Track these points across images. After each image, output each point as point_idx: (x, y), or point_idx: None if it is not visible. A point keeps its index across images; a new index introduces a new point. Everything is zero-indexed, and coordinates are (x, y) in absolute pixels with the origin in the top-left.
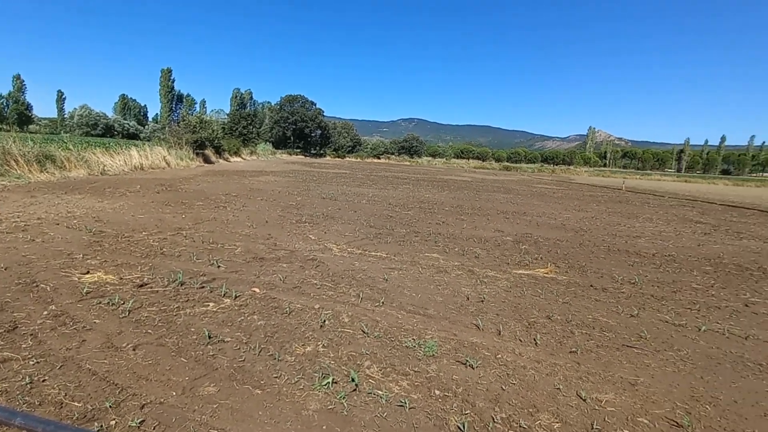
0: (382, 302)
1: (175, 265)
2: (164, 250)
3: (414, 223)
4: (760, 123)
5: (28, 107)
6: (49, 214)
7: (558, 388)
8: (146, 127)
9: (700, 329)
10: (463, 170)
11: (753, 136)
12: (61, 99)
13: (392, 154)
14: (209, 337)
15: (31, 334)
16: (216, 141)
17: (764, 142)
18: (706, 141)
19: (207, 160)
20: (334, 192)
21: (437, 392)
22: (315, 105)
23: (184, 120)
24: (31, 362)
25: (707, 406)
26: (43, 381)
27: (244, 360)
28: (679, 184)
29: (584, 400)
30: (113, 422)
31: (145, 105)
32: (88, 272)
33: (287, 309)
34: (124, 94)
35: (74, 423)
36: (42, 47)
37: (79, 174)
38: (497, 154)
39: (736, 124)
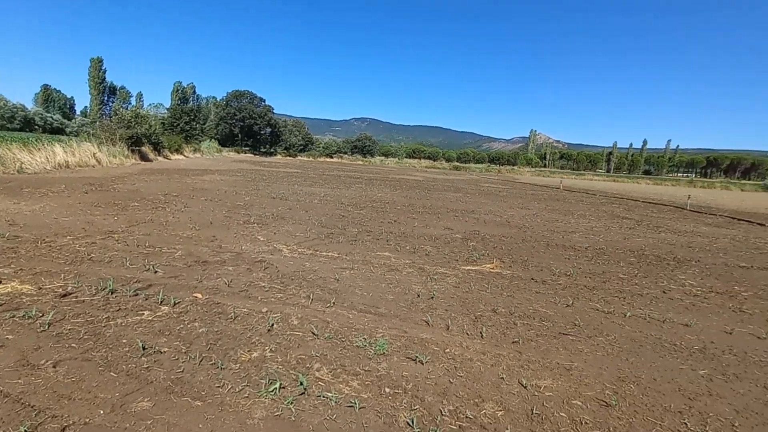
0: (333, 302)
1: (104, 272)
2: (92, 255)
3: (366, 222)
4: (676, 128)
5: None
6: None
7: (502, 378)
8: (73, 121)
9: (625, 315)
10: (415, 170)
11: (669, 141)
12: None
13: (345, 153)
14: (143, 348)
15: None
16: (154, 137)
17: (678, 146)
18: (631, 144)
19: (144, 158)
20: (285, 191)
21: (387, 390)
22: (264, 101)
23: (117, 114)
24: None
25: (631, 385)
26: None
27: (183, 371)
28: (608, 184)
29: (525, 387)
30: None
31: (72, 97)
32: None
33: (232, 314)
34: (46, 85)
35: None
36: None
37: None
38: (447, 154)
39: (656, 129)
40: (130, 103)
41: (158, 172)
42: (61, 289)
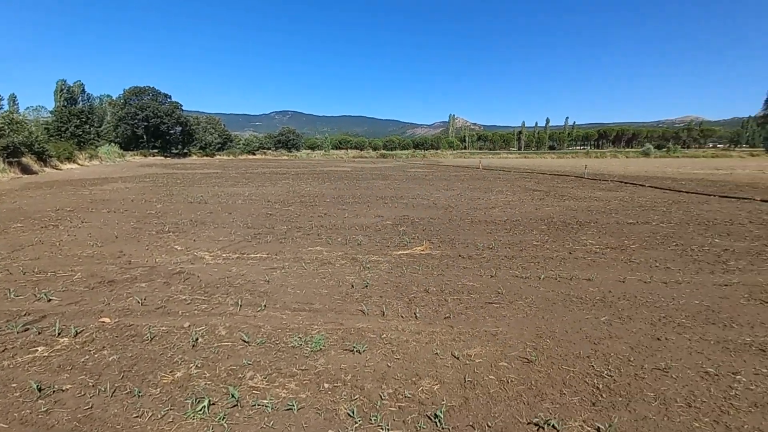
0: (265, 305)
1: None
2: None
3: (295, 218)
4: (572, 106)
5: None
6: None
7: (436, 353)
8: None
9: (540, 278)
10: (343, 161)
11: (567, 118)
12: None
13: (268, 149)
14: (39, 390)
15: None
16: (38, 145)
17: (575, 122)
18: (536, 123)
19: (26, 171)
20: (204, 194)
21: (326, 385)
22: (170, 98)
23: None
24: None
25: (548, 340)
26: None
27: (91, 407)
28: (520, 160)
29: (458, 358)
30: None
31: None
32: None
33: (148, 335)
34: None
35: None
36: None
37: None
38: (374, 143)
39: (557, 108)
40: (0, 108)
41: (46, 186)
42: None
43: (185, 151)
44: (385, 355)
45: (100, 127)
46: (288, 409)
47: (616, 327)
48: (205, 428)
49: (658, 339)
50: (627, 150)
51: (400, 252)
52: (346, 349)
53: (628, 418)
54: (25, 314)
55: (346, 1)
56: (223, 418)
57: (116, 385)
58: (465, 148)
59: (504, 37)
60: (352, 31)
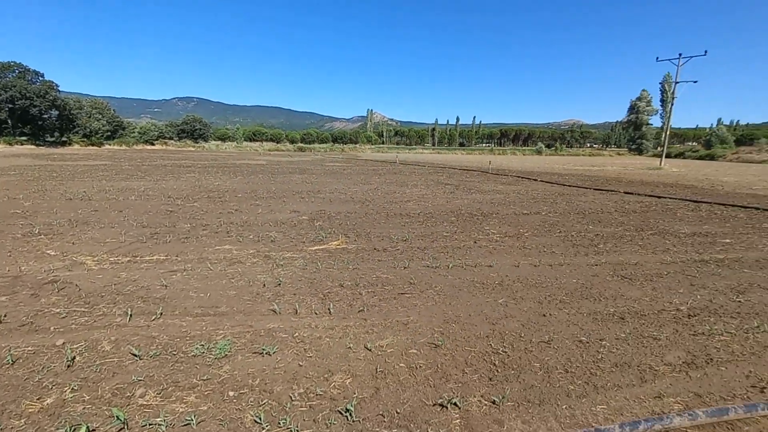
0: (161, 313)
1: None
2: None
3: (201, 215)
4: (479, 107)
5: None
6: None
7: (349, 347)
8: None
9: (449, 267)
10: (257, 154)
11: (474, 117)
12: None
13: (170, 138)
14: None
15: None
16: None
17: (481, 122)
18: (447, 121)
19: None
20: (88, 189)
21: (231, 393)
22: (41, 77)
23: None
24: None
25: (454, 325)
26: None
27: None
28: (434, 156)
29: (370, 350)
30: None
31: None
32: None
33: (8, 359)
34: None
35: None
36: None
37: None
38: (291, 136)
39: (466, 108)
40: None
41: None
42: None
43: (64, 139)
44: (297, 354)
45: None
46: (186, 425)
47: (511, 307)
48: None
49: (544, 315)
50: (524, 148)
51: (315, 247)
52: (254, 353)
53: (518, 388)
54: None
55: None
56: None
57: None
58: (383, 142)
59: (420, 35)
60: (264, 18)
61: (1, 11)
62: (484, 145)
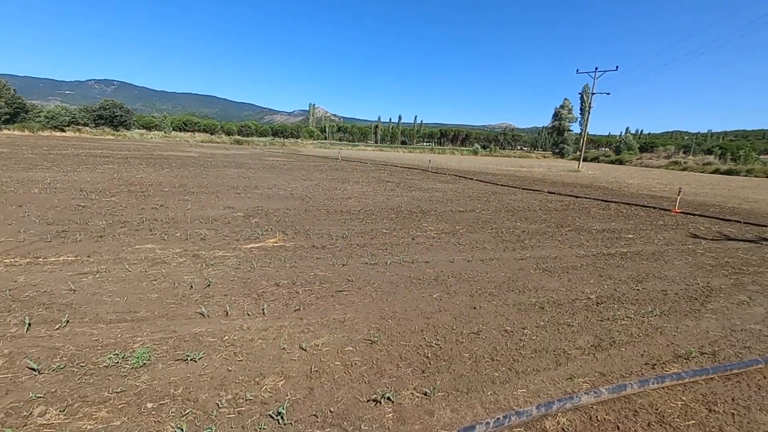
0: (66, 321)
1: None
2: None
3: (120, 211)
4: (421, 107)
5: None
6: None
7: (283, 348)
8: None
9: (387, 263)
10: (189, 145)
11: (416, 116)
12: None
13: (85, 125)
14: None
15: None
16: None
17: (422, 121)
18: (390, 119)
19: None
20: None
21: (149, 405)
22: None
23: None
24: None
25: (390, 321)
26: None
27: None
28: (376, 153)
29: (305, 350)
30: None
31: None
32: None
33: None
34: None
35: None
36: None
37: None
38: (227, 127)
39: (408, 107)
40: None
41: None
42: None
43: None
44: (225, 358)
45: None
46: None
47: (445, 301)
48: None
49: (475, 308)
50: (461, 148)
51: (250, 245)
52: (177, 360)
53: (449, 379)
54: None
55: None
56: None
57: None
58: (325, 138)
59: (362, 36)
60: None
61: None
62: (425, 144)
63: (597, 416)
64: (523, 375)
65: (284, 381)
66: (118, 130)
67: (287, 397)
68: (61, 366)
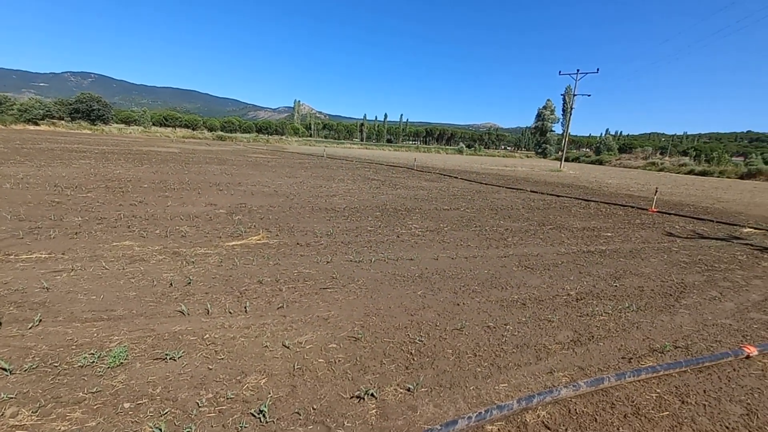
0: (39, 320)
1: None
2: None
3: (97, 207)
4: (406, 106)
5: None
6: None
7: (266, 346)
8: None
9: (371, 261)
10: (170, 140)
11: (402, 114)
12: None
13: (61, 119)
14: None
15: None
16: None
17: (408, 120)
18: (376, 117)
19: None
20: None
21: (127, 405)
22: None
23: None
24: None
25: (374, 318)
26: None
27: None
28: (362, 151)
29: (288, 348)
30: None
31: None
32: None
33: None
34: None
35: None
36: None
37: None
38: (210, 123)
39: (394, 106)
40: None
41: None
42: None
43: None
44: (206, 357)
45: None
46: None
47: (429, 298)
48: None
49: (458, 304)
50: (447, 147)
51: (233, 243)
52: (156, 359)
53: (432, 374)
54: None
55: None
56: None
57: None
58: (311, 135)
59: (349, 33)
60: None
61: None
62: (410, 142)
63: (576, 409)
64: (505, 370)
65: (266, 379)
66: (95, 125)
67: (269, 395)
68: (34, 366)
